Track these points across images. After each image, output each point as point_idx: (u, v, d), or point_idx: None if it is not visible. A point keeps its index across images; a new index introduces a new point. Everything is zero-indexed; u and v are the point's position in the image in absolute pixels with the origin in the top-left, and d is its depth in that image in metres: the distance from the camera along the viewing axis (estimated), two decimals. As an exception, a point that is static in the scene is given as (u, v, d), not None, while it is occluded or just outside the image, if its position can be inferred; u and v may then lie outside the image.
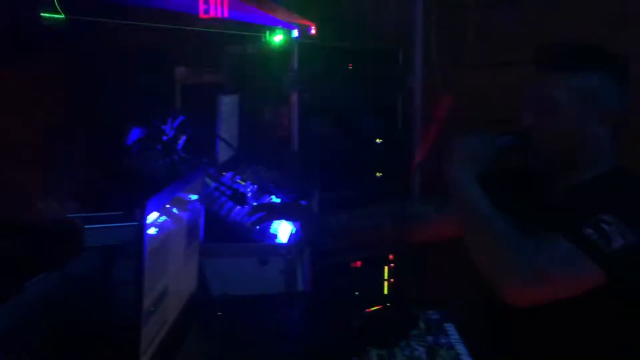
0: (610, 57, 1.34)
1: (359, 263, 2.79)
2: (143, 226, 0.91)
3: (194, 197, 1.32)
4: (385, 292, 2.88)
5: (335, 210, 2.59)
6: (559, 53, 1.34)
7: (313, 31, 2.70)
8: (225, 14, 3.73)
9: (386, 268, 2.88)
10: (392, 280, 2.89)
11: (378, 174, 2.89)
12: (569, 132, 1.31)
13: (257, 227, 1.54)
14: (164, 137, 1.65)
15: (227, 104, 2.25)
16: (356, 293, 2.60)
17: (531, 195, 1.41)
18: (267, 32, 2.76)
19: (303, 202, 1.88)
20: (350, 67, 2.75)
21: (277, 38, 2.71)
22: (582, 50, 1.34)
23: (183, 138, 1.89)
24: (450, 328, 1.21)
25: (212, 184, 1.58)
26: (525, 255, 1.14)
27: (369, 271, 2.83)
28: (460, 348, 1.21)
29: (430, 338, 1.21)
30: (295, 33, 2.70)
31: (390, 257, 2.87)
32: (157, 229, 1.02)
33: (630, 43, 2.19)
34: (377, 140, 2.88)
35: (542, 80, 1.34)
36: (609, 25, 2.24)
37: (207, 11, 3.63)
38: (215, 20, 3.72)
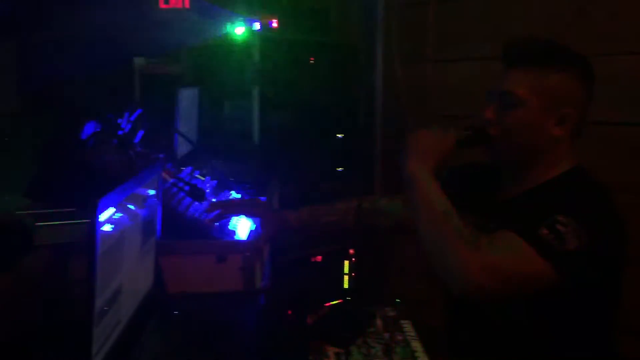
0: (574, 58, 1.34)
1: (319, 257, 2.79)
2: (95, 225, 0.89)
3: (150, 193, 1.30)
4: (346, 286, 2.89)
5: (296, 204, 2.61)
6: (523, 50, 1.34)
7: (275, 25, 2.68)
8: (187, 5, 3.68)
9: (347, 262, 2.89)
10: (352, 274, 2.90)
11: (339, 169, 2.90)
12: (528, 129, 1.31)
13: (216, 223, 1.52)
14: (120, 132, 1.61)
15: (187, 97, 2.21)
16: (314, 289, 2.62)
17: (491, 192, 1.43)
18: (229, 25, 2.73)
19: (262, 198, 1.87)
20: (312, 62, 2.74)
21: (239, 31, 2.68)
22: (546, 48, 1.34)
23: (140, 132, 1.85)
24: (406, 325, 1.22)
25: (170, 180, 1.55)
26: (478, 252, 1.14)
27: (329, 265, 2.84)
28: (416, 345, 1.22)
29: (387, 335, 1.21)
30: (256, 26, 2.67)
31: (351, 251, 2.88)
32: (111, 227, 1.00)
33: (587, 38, 2.25)
34: (339, 135, 2.89)
35: (505, 76, 1.34)
36: (566, 20, 2.28)
37: (167, 1, 3.57)
38: (176, 10, 3.67)
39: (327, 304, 2.80)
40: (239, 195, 1.89)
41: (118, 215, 1.05)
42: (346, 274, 2.90)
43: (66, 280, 1.21)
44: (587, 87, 1.34)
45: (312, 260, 2.78)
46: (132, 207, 1.16)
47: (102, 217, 0.95)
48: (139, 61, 2.62)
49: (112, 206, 0.99)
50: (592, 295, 1.25)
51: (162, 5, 3.56)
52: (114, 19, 2.17)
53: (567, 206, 1.19)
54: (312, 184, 2.77)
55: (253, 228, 1.59)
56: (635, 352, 2.04)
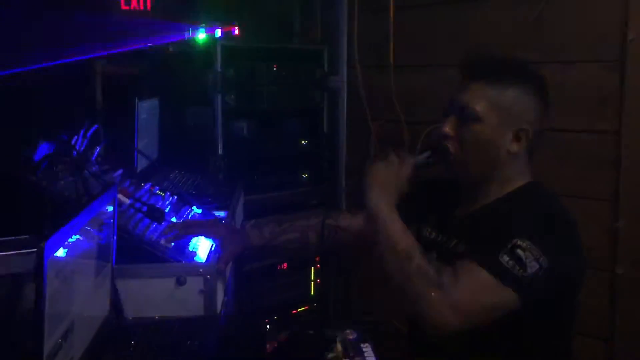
0: (531, 75, 1.36)
1: (285, 265, 2.79)
2: (42, 267, 0.86)
3: (105, 218, 1.27)
4: (312, 293, 2.89)
5: (261, 212, 2.59)
6: (482, 65, 1.35)
7: (237, 32, 2.65)
8: (148, 7, 3.61)
9: (312, 269, 2.89)
10: (318, 280, 2.91)
11: (304, 175, 2.89)
12: (485, 144, 1.33)
13: (173, 244, 1.50)
14: (74, 152, 1.57)
15: (146, 109, 2.17)
16: (275, 317, 2.62)
17: (453, 207, 1.44)
18: (190, 30, 2.69)
19: (224, 214, 1.85)
20: (275, 68, 2.72)
21: (200, 36, 2.65)
22: (504, 64, 1.36)
23: (97, 149, 1.81)
24: (367, 349, 1.22)
25: (127, 201, 1.52)
26: (443, 292, 1.16)
27: (295, 273, 2.84)
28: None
29: (346, 361, 1.21)
30: (218, 33, 2.64)
31: (317, 258, 2.88)
32: (62, 257, 0.97)
33: (547, 46, 2.28)
34: (303, 142, 2.88)
35: (464, 90, 1.35)
36: (526, 27, 2.31)
37: (128, 2, 3.51)
38: (137, 12, 3.60)
39: (294, 312, 2.83)
40: (199, 211, 1.86)
41: (70, 245, 1.02)
42: (312, 281, 2.91)
43: (15, 314, 1.17)
44: (543, 103, 1.36)
45: (279, 268, 2.77)
46: (85, 235, 1.13)
47: (53, 251, 0.92)
48: (101, 62, 2.56)
49: (61, 244, 0.96)
50: (554, 311, 1.28)
51: (124, 7, 3.51)
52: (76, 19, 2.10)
53: (524, 229, 1.21)
54: (277, 191, 2.76)
55: (213, 248, 1.57)
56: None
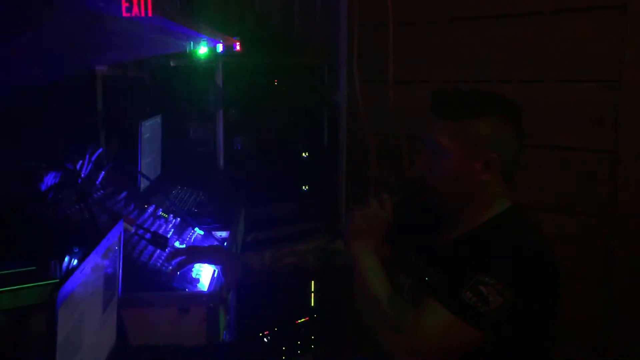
0: (495, 104, 1.39)
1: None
2: (55, 314, 0.89)
3: (112, 251, 1.30)
4: (312, 304, 2.93)
5: (261, 225, 2.63)
6: (446, 101, 1.40)
7: (238, 47, 2.68)
8: (150, 14, 3.63)
9: (312, 280, 2.93)
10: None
11: (304, 188, 2.93)
12: (455, 176, 1.38)
13: (178, 272, 1.53)
14: (79, 179, 1.61)
15: (149, 129, 2.20)
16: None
17: (434, 233, 1.48)
18: (192, 43, 2.72)
19: (224, 236, 1.89)
20: (276, 83, 2.75)
21: (202, 50, 2.68)
22: (468, 98, 1.40)
23: (102, 173, 1.85)
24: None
25: (132, 229, 1.56)
26: (404, 337, 1.21)
27: (295, 284, 2.87)
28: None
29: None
30: (219, 48, 2.67)
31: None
32: (71, 294, 1.00)
33: (542, 63, 2.31)
34: (303, 155, 2.91)
35: (431, 126, 1.41)
36: (522, 44, 2.34)
37: (129, 9, 3.52)
38: (138, 19, 3.61)
39: (296, 322, 2.87)
40: (202, 233, 1.89)
41: (78, 281, 1.05)
42: (312, 292, 2.95)
43: (23, 345, 1.21)
44: (511, 130, 1.39)
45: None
46: (93, 269, 1.16)
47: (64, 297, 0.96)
48: (101, 69, 2.58)
49: (72, 288, 0.99)
50: (523, 342, 1.31)
51: (125, 14, 3.52)
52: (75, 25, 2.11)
53: (488, 263, 1.24)
54: (278, 204, 2.80)
55: (216, 275, 1.60)
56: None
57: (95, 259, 1.14)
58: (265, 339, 2.69)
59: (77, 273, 1.01)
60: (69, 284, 0.97)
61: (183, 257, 1.55)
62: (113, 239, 1.27)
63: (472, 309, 1.19)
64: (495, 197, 1.40)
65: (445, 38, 2.59)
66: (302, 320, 2.88)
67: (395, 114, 2.73)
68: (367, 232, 1.35)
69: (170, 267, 1.53)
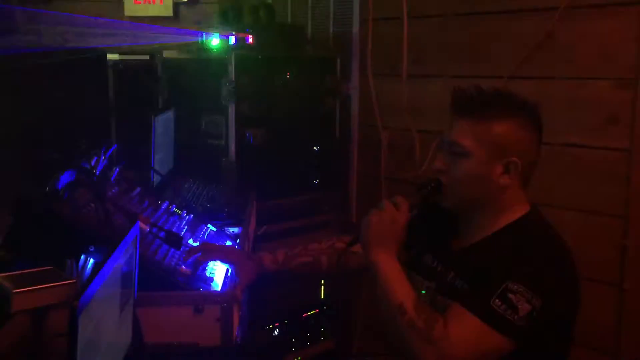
0: (519, 107, 1.37)
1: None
2: (76, 328, 0.91)
3: (128, 252, 1.31)
4: (322, 296, 2.94)
5: (273, 218, 2.63)
6: (468, 101, 1.37)
7: (250, 40, 2.67)
8: (161, 2, 3.63)
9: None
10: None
11: (315, 181, 2.93)
12: (475, 179, 1.36)
13: (191, 270, 1.54)
14: (94, 177, 1.62)
15: (162, 123, 2.20)
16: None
17: (451, 237, 1.47)
18: (204, 35, 2.71)
19: (236, 232, 1.90)
20: (288, 76, 2.74)
21: (214, 42, 2.67)
22: (490, 98, 1.37)
23: (116, 170, 1.85)
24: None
25: (146, 229, 1.57)
26: (433, 345, 1.19)
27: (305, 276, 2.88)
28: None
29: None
30: (232, 40, 2.66)
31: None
32: (90, 301, 1.01)
33: (556, 61, 2.29)
34: (315, 148, 2.91)
35: (453, 125, 1.39)
36: (537, 40, 2.32)
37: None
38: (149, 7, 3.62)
39: (305, 315, 2.88)
40: (215, 229, 1.90)
41: (97, 286, 1.06)
42: (322, 284, 2.96)
43: (43, 347, 1.22)
44: (532, 134, 1.38)
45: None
46: (111, 272, 1.17)
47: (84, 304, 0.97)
48: (112, 57, 2.58)
49: (92, 294, 1.00)
50: (548, 346, 1.31)
51: (136, 2, 3.52)
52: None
53: (515, 271, 1.24)
54: (289, 197, 2.80)
55: (229, 274, 1.61)
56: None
57: (114, 263, 1.15)
58: (274, 332, 2.70)
59: (96, 279, 1.01)
60: (89, 291, 0.98)
61: (197, 255, 1.56)
62: (130, 239, 1.27)
63: (502, 317, 1.18)
64: (513, 200, 1.39)
65: (459, 32, 2.57)
66: (311, 312, 2.89)
67: (408, 108, 2.72)
68: (385, 237, 1.32)
69: (185, 267, 1.54)
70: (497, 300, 1.19)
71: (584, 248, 2.15)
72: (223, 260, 1.62)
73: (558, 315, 1.27)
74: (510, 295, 1.19)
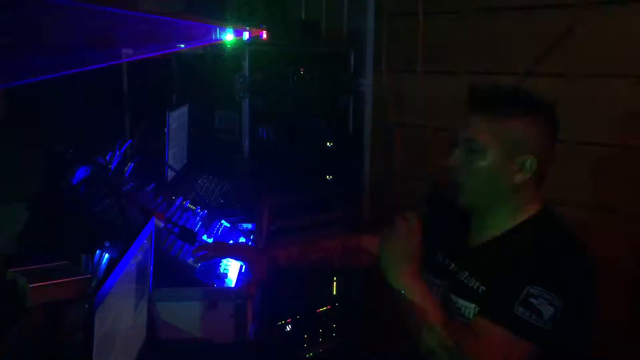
0: (536, 105, 1.36)
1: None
2: (92, 324, 0.91)
3: (144, 247, 1.32)
4: (334, 293, 2.94)
5: (285, 214, 2.63)
6: (486, 97, 1.36)
7: (264, 36, 2.66)
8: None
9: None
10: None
11: (328, 177, 2.92)
12: (490, 176, 1.35)
13: (200, 265, 1.55)
14: (110, 173, 1.62)
15: (176, 119, 2.21)
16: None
17: (464, 234, 1.46)
18: (218, 30, 2.71)
19: (249, 228, 1.90)
20: (302, 72, 2.73)
21: (229, 37, 2.67)
22: (508, 95, 1.36)
23: (131, 165, 1.86)
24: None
25: (161, 224, 1.57)
26: (468, 357, 1.19)
27: (317, 273, 2.88)
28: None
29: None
30: (246, 36, 2.66)
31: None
32: (107, 296, 1.02)
33: (574, 58, 2.26)
34: (328, 144, 2.90)
35: (469, 122, 1.37)
36: (555, 37, 2.30)
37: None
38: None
39: (318, 311, 2.88)
40: (228, 225, 1.91)
41: (113, 282, 1.07)
42: (334, 281, 2.95)
43: (59, 342, 1.23)
44: (548, 132, 1.36)
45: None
46: (127, 268, 1.18)
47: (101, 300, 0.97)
48: (126, 51, 2.58)
49: (108, 290, 1.01)
50: (569, 345, 1.30)
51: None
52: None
53: (535, 274, 1.23)
54: (303, 192, 2.79)
55: (243, 270, 1.62)
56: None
57: (130, 258, 1.15)
58: (286, 328, 2.70)
59: (113, 274, 1.02)
60: (106, 286, 0.99)
61: (205, 252, 1.57)
62: (145, 235, 1.28)
63: (528, 324, 1.18)
64: (527, 199, 1.37)
65: (475, 29, 2.55)
66: (324, 309, 2.89)
67: (422, 104, 2.70)
68: (405, 257, 1.31)
69: (195, 260, 1.54)
70: (520, 308, 1.19)
71: (602, 246, 2.13)
72: (235, 258, 1.62)
73: (580, 313, 1.26)
74: (533, 300, 1.19)
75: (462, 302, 1.34)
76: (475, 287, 1.33)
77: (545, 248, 1.29)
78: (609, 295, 2.10)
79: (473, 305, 1.32)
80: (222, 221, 1.91)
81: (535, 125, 1.34)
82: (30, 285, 1.26)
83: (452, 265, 1.44)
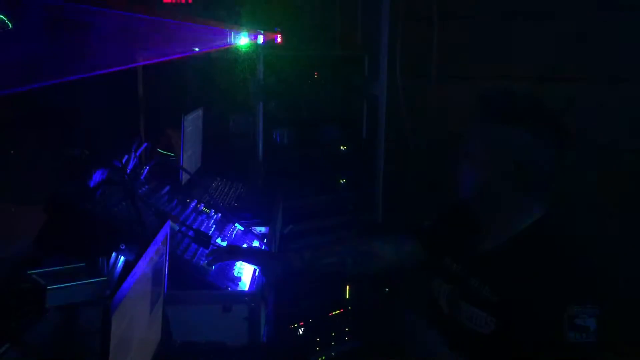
0: (542, 115, 1.35)
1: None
2: (109, 327, 0.92)
3: (159, 250, 1.33)
4: (347, 296, 2.94)
5: (299, 218, 2.64)
6: (488, 106, 1.36)
7: (279, 40, 2.67)
8: (190, 0, 3.65)
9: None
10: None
11: (342, 181, 2.93)
12: (487, 181, 1.36)
13: (214, 267, 1.56)
14: (126, 176, 1.64)
15: (191, 122, 2.22)
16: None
17: (472, 238, 1.46)
18: (233, 34, 2.72)
19: (263, 231, 1.91)
20: (316, 76, 2.74)
21: (243, 41, 2.68)
22: (513, 104, 1.36)
23: (146, 168, 1.88)
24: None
25: (176, 227, 1.58)
26: None
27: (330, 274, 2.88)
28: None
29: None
30: (260, 40, 2.67)
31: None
32: (123, 300, 1.03)
33: (587, 63, 2.25)
34: (342, 148, 2.91)
35: (472, 128, 1.39)
36: (568, 43, 2.29)
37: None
38: (180, 6, 3.64)
39: (330, 314, 2.89)
40: (242, 228, 1.91)
41: (129, 285, 1.08)
42: (347, 284, 2.95)
43: (75, 343, 1.24)
44: (549, 140, 1.35)
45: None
46: (142, 271, 1.19)
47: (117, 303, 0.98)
48: (142, 55, 2.59)
49: (124, 293, 1.02)
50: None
51: (166, 0, 3.55)
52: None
53: (564, 295, 1.23)
54: (316, 196, 2.80)
55: (257, 274, 1.62)
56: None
57: (146, 261, 1.16)
58: (299, 331, 2.71)
59: (129, 277, 1.03)
60: (122, 289, 1.00)
61: (222, 254, 1.58)
62: (161, 239, 1.29)
63: (582, 345, 1.19)
64: (530, 204, 1.37)
65: (490, 33, 2.55)
66: (336, 312, 2.90)
67: (435, 108, 2.70)
68: None
69: (207, 263, 1.55)
70: (570, 333, 1.19)
71: (622, 251, 2.12)
72: (249, 262, 1.62)
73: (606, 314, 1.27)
74: (577, 320, 1.20)
75: (473, 309, 1.34)
76: (488, 296, 1.32)
77: (561, 261, 1.29)
78: (619, 301, 2.10)
79: (484, 314, 1.32)
80: (236, 224, 1.92)
81: (537, 135, 1.34)
82: (48, 287, 1.27)
83: (460, 270, 1.44)
